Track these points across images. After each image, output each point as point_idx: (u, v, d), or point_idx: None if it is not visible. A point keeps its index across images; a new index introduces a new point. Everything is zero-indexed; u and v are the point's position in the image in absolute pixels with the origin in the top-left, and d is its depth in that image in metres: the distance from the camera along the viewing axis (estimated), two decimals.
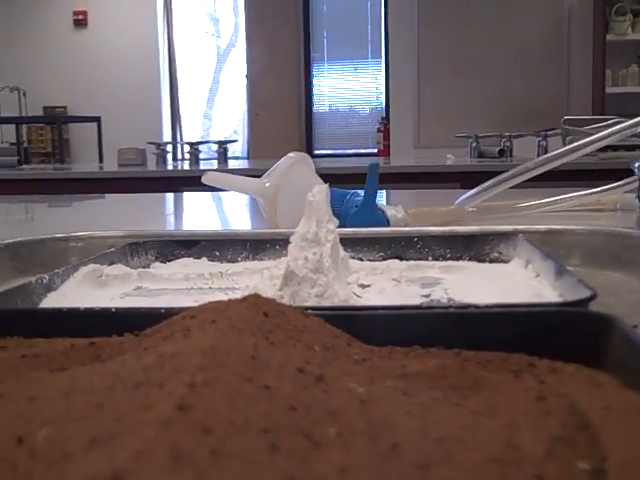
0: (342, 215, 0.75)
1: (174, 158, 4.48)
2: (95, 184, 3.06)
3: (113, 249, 0.59)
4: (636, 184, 0.87)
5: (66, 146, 5.89)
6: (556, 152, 0.82)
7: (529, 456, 0.22)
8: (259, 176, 0.83)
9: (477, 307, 0.35)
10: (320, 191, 0.49)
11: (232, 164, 3.86)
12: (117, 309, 0.36)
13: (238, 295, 0.50)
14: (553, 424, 0.24)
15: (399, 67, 5.52)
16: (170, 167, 3.53)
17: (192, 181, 3.08)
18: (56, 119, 5.67)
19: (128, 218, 1.19)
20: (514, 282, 0.51)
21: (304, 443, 0.19)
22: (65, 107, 6.09)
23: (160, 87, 6.23)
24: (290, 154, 0.82)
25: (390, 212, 0.77)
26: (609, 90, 5.10)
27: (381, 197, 1.44)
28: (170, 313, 0.34)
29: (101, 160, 4.95)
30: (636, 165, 0.85)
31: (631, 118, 0.90)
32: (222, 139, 4.19)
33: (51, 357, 0.32)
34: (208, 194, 1.61)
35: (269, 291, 0.41)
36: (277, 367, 0.24)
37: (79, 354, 0.32)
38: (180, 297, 0.51)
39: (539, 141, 3.35)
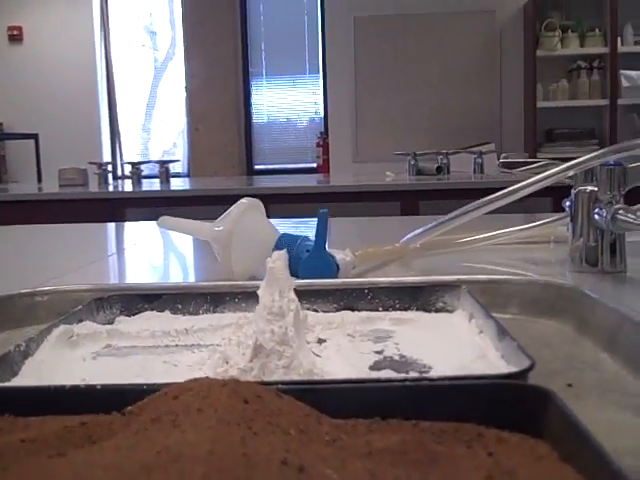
0: (293, 260, 0.79)
1: (114, 177, 4.47)
2: (35, 206, 3.04)
3: (80, 307, 0.62)
4: (568, 219, 0.92)
5: (2, 164, 5.81)
6: (494, 195, 0.87)
7: None
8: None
9: (431, 380, 0.40)
10: (279, 257, 0.53)
11: (174, 183, 3.87)
12: (102, 386, 0.39)
13: (204, 353, 0.53)
14: None
15: (337, 82, 5.60)
16: (112, 188, 3.52)
17: (136, 202, 3.10)
18: None
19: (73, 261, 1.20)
20: (460, 337, 0.55)
21: None
22: (1, 124, 6.01)
23: (98, 102, 6.18)
24: (242, 200, 0.86)
25: (339, 256, 0.82)
26: (540, 104, 5.26)
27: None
28: (152, 390, 0.38)
29: (39, 179, 4.90)
30: (567, 204, 0.91)
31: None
32: (162, 154, 4.20)
33: (46, 441, 0.35)
34: (152, 223, 1.61)
35: (240, 360, 0.44)
36: (265, 462, 0.27)
37: (72, 436, 0.35)
38: (150, 357, 0.54)
39: (475, 158, 3.45)
